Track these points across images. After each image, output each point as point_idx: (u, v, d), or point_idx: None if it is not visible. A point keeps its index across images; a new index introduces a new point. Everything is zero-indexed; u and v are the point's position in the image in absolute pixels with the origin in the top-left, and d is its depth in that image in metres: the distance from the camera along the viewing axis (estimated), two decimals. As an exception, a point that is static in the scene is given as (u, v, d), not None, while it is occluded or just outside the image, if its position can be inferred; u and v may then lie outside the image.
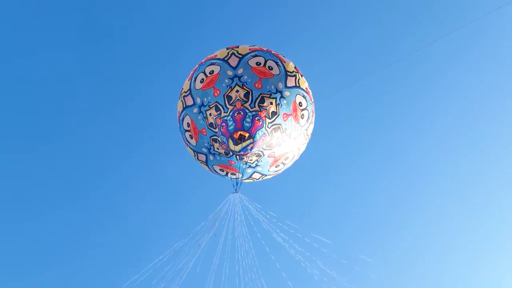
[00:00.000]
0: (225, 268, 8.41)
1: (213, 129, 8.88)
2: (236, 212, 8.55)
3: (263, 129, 8.60)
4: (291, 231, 8.40)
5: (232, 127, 8.49)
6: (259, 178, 9.81)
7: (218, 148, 9.14)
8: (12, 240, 17.32)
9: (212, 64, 8.87)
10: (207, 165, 9.70)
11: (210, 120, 8.82)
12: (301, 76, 9.10)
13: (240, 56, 8.74)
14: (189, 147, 9.63)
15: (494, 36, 18.53)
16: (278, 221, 8.41)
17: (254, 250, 8.40)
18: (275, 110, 8.66)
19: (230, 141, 8.54)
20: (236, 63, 8.67)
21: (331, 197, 19.35)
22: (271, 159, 9.30)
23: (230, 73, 8.66)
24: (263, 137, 8.65)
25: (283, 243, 8.49)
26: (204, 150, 9.35)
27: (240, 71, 8.65)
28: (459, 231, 19.42)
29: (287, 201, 17.91)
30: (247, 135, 8.47)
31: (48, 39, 18.66)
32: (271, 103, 8.62)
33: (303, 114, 9.06)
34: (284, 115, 8.77)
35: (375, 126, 19.74)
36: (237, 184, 9.01)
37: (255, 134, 8.52)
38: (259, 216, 8.46)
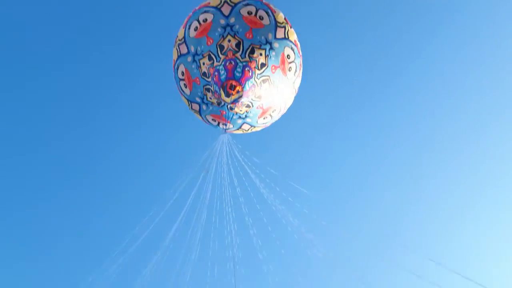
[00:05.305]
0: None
1: (206, 79, 9.31)
2: (224, 152, 9.15)
3: (253, 79, 9.02)
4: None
5: (224, 76, 8.95)
6: (248, 130, 10.26)
7: (211, 98, 9.62)
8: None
9: (205, 12, 9.21)
10: (200, 114, 10.18)
11: (204, 69, 9.26)
12: (290, 27, 9.41)
13: (233, 4, 9.08)
14: (184, 96, 10.09)
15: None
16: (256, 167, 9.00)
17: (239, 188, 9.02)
18: (264, 62, 9.05)
19: (222, 92, 9.03)
20: (229, 11, 9.00)
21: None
22: (260, 111, 9.75)
23: (222, 22, 9.01)
24: (252, 88, 9.09)
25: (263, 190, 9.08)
26: (198, 99, 9.78)
27: (232, 20, 8.99)
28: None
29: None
30: (238, 87, 8.94)
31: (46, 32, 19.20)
32: (261, 54, 9.01)
33: (290, 67, 9.43)
34: (273, 67, 9.16)
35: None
36: (225, 125, 9.53)
37: (245, 83, 8.97)
38: (241, 159, 9.06)
